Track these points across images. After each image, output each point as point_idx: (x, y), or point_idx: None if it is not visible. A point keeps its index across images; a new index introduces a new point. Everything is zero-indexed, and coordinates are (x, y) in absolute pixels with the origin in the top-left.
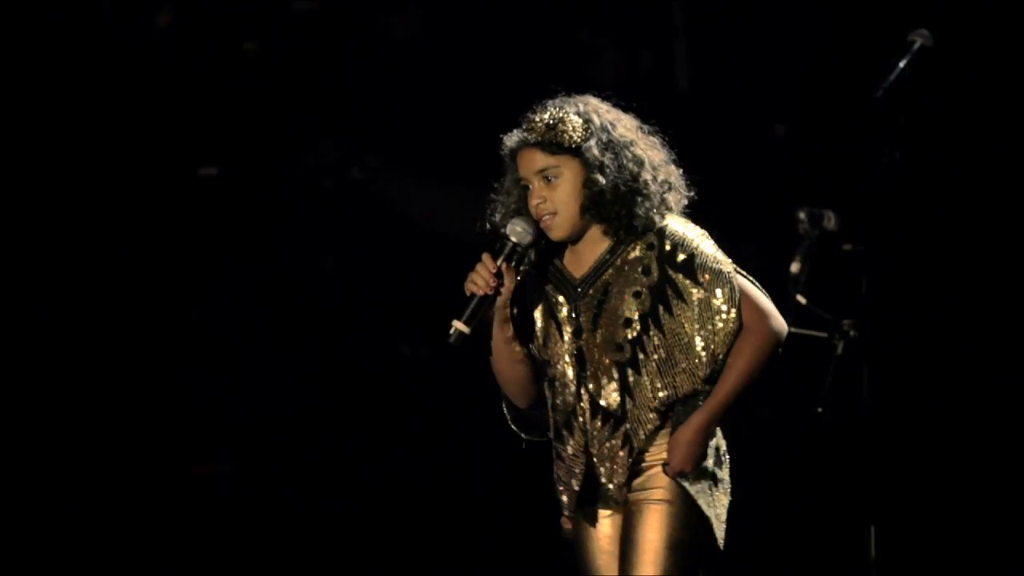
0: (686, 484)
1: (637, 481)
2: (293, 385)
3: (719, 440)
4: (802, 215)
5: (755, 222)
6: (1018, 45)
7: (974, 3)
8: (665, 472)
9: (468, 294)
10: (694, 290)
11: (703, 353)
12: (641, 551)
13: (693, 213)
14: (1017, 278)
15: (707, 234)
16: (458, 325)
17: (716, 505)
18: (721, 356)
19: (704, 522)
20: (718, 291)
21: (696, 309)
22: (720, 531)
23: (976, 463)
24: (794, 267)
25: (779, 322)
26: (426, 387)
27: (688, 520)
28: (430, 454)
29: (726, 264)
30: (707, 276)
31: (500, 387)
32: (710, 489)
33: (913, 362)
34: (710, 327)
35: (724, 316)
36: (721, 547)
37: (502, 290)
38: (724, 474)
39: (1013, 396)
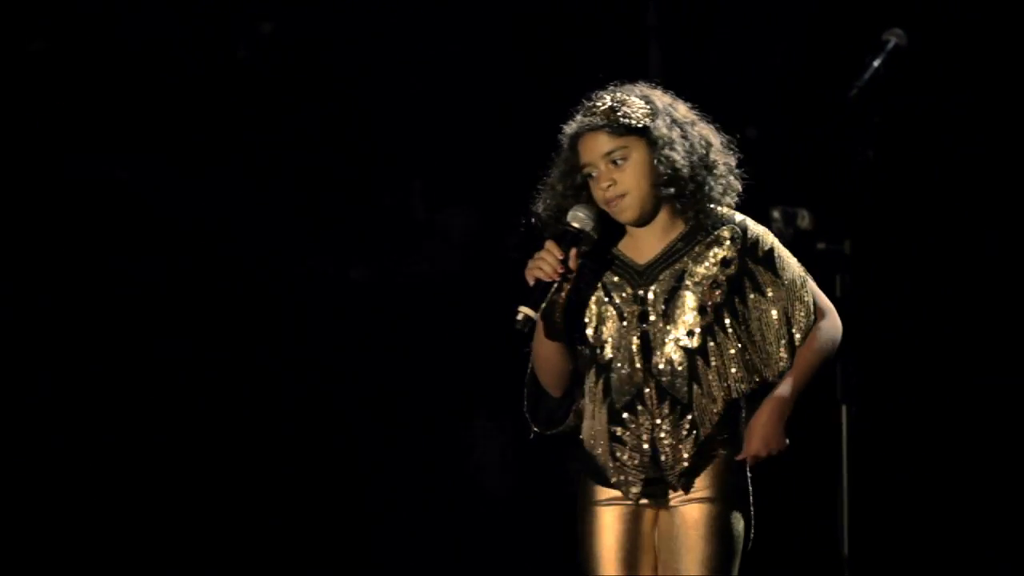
0: (729, 481)
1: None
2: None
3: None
4: (776, 214)
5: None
6: (992, 44)
7: (948, 2)
8: (735, 461)
9: (531, 281)
10: (774, 285)
11: (780, 349)
12: (687, 549)
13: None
14: (992, 275)
15: (771, 233)
16: (526, 311)
17: (752, 506)
18: (793, 354)
19: (746, 520)
20: (802, 291)
21: (775, 304)
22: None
23: (952, 460)
24: None
25: (839, 323)
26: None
27: (732, 518)
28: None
29: (794, 260)
30: (788, 274)
31: (532, 372)
32: (748, 490)
33: (888, 360)
34: (788, 324)
35: (805, 313)
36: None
37: (569, 276)
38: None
39: (989, 393)
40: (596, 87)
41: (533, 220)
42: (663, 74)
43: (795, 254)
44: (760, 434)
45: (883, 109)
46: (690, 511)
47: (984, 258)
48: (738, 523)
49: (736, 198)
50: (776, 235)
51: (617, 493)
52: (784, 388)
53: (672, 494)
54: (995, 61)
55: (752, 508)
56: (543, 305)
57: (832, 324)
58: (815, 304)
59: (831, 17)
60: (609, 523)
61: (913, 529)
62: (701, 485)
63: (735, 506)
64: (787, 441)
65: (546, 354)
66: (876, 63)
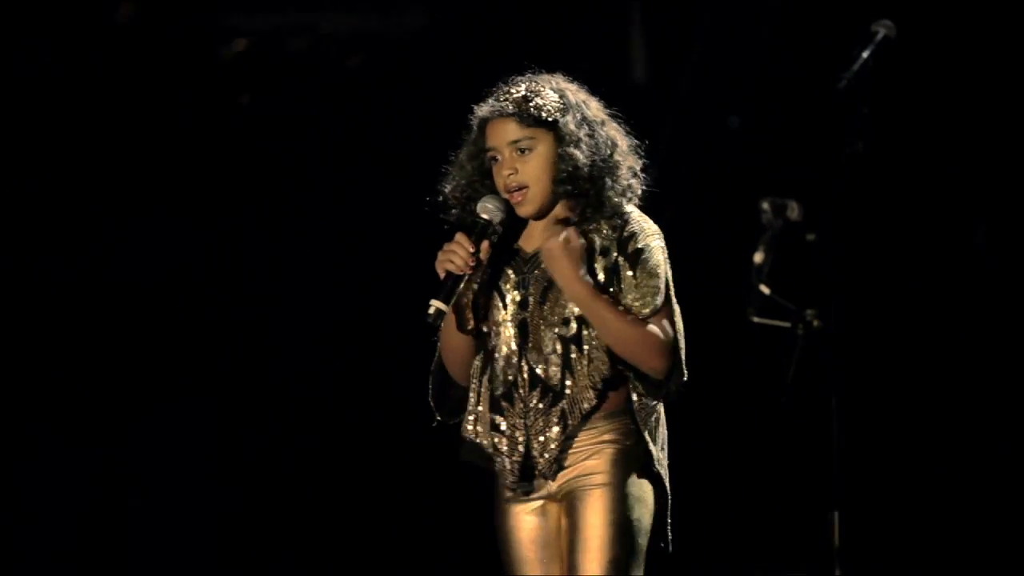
0: (623, 474)
1: (573, 469)
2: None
3: (657, 447)
4: (765, 205)
5: (718, 212)
6: (980, 35)
7: None
8: (632, 457)
9: (442, 273)
10: (630, 281)
11: None
12: (586, 536)
13: (657, 203)
14: (982, 266)
15: (661, 234)
16: (438, 305)
17: (650, 496)
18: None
19: (646, 505)
20: (645, 289)
21: (628, 300)
22: (664, 529)
23: (940, 450)
24: (757, 257)
25: (676, 355)
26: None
27: (629, 501)
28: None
29: (663, 271)
30: (643, 273)
31: (439, 361)
32: (648, 487)
33: (876, 351)
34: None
35: (641, 311)
36: (668, 547)
37: (479, 268)
38: (658, 471)
39: (976, 384)
40: (575, 79)
41: (440, 199)
42: (647, 65)
43: (785, 245)
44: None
45: (872, 100)
46: (585, 500)
47: (974, 249)
48: (633, 514)
49: (636, 201)
50: (765, 226)
51: (528, 484)
52: (598, 295)
53: (567, 484)
54: (984, 52)
55: (655, 505)
56: (454, 298)
57: (658, 337)
58: (667, 313)
59: (819, 7)
60: (522, 521)
61: (903, 520)
62: (596, 474)
63: (631, 497)
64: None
65: (455, 344)
66: (865, 54)
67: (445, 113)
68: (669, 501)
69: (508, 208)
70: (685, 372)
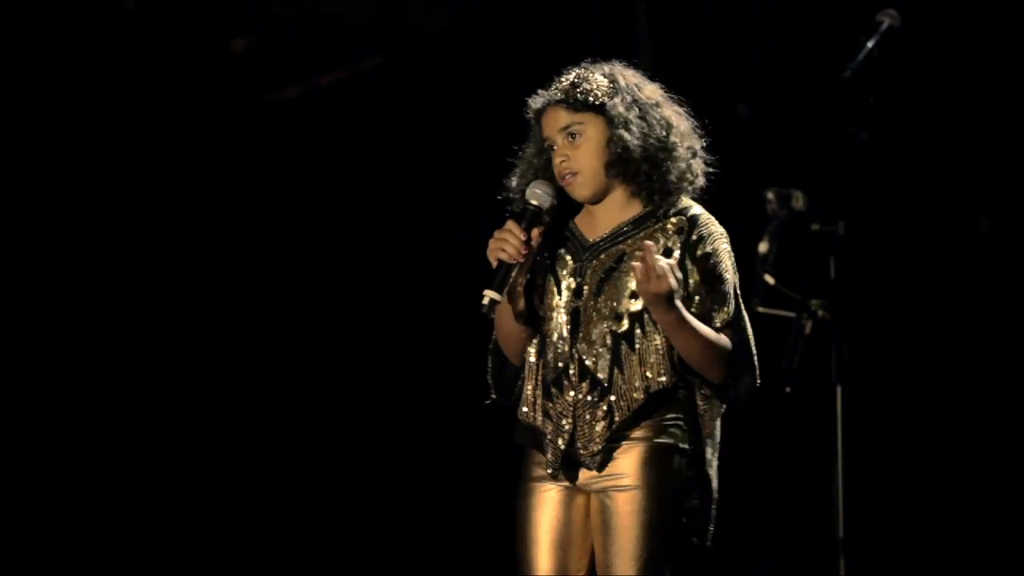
0: (661, 475)
1: (609, 466)
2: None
3: (711, 450)
4: (770, 195)
5: (723, 202)
6: (986, 25)
7: None
8: (676, 458)
9: (494, 262)
10: (699, 287)
11: None
12: (618, 537)
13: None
14: (987, 257)
15: (727, 236)
16: (491, 294)
17: (691, 497)
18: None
19: (681, 506)
20: (717, 297)
21: (694, 308)
22: (705, 529)
23: (945, 442)
24: (762, 247)
25: (749, 360)
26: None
27: (662, 503)
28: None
29: (732, 278)
30: (713, 279)
31: (496, 341)
32: (689, 490)
33: (882, 342)
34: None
35: (713, 322)
36: (708, 543)
37: (531, 256)
38: (707, 473)
39: (982, 375)
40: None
41: (508, 195)
42: (653, 53)
43: (789, 235)
44: (665, 282)
45: (877, 90)
46: (618, 500)
47: (979, 238)
48: (669, 518)
49: (698, 181)
50: (770, 216)
51: (562, 472)
52: (693, 321)
53: (601, 480)
54: (990, 41)
55: (696, 507)
56: (507, 285)
57: (727, 351)
58: (735, 320)
59: None
60: (544, 503)
61: (908, 511)
62: (631, 475)
63: (668, 501)
64: (670, 288)
65: (510, 329)
66: (870, 44)
67: (451, 110)
68: (715, 502)
69: (558, 193)
70: (759, 379)
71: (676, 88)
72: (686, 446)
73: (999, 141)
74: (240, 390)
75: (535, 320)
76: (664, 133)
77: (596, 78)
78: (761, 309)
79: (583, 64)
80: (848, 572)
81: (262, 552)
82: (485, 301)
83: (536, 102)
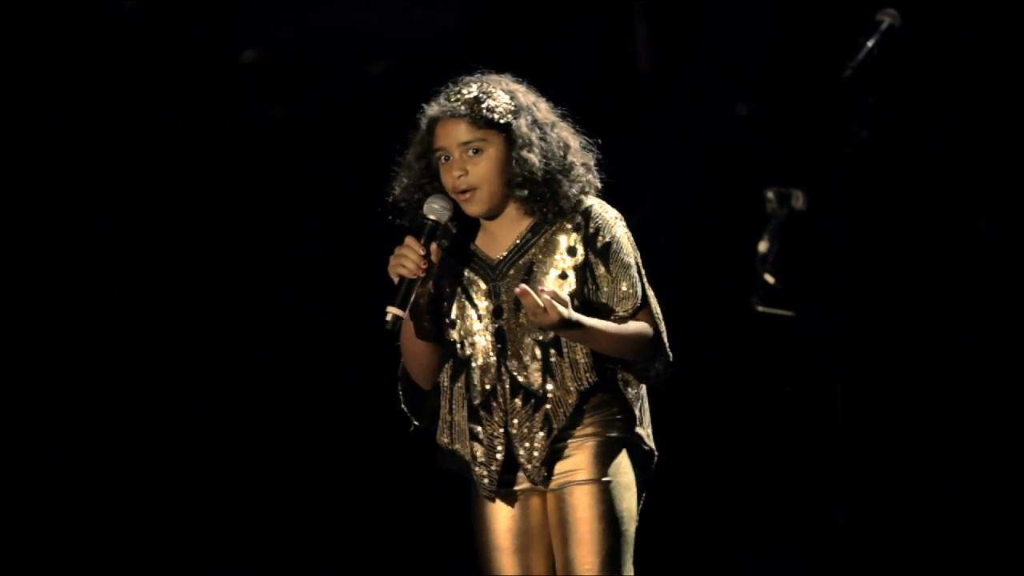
0: (609, 464)
1: (559, 465)
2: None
3: (645, 429)
4: (770, 194)
5: (723, 201)
6: (985, 25)
7: None
8: (615, 444)
9: (396, 278)
10: (605, 278)
11: None
12: (578, 531)
13: (663, 192)
14: (985, 256)
15: (622, 218)
16: (394, 311)
17: (636, 484)
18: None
19: (633, 492)
20: (623, 284)
21: (604, 299)
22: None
23: (945, 440)
24: (762, 246)
25: (659, 339)
26: None
27: (617, 492)
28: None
29: (634, 260)
30: (616, 265)
31: (404, 367)
32: (633, 472)
33: (881, 340)
34: (612, 317)
35: (624, 308)
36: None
37: (431, 271)
38: (649, 448)
39: (981, 373)
40: (579, 68)
41: (389, 201)
42: (651, 52)
43: (789, 234)
44: (553, 310)
45: (877, 89)
46: (575, 494)
47: (978, 238)
48: (623, 504)
49: (595, 191)
50: (770, 215)
51: (510, 482)
52: (591, 322)
53: (556, 478)
54: (989, 41)
55: (638, 489)
56: (409, 302)
57: (646, 335)
58: (644, 302)
59: None
60: (500, 508)
61: (908, 508)
62: (585, 468)
63: (624, 493)
64: (564, 316)
65: (417, 350)
66: (870, 43)
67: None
68: (655, 459)
69: (456, 207)
70: (670, 354)
71: (673, 88)
72: (628, 437)
73: (999, 139)
74: (237, 391)
75: (442, 340)
76: (563, 154)
77: (499, 95)
78: (761, 309)
79: (479, 76)
80: (848, 568)
81: (259, 552)
82: (388, 318)
83: (433, 110)
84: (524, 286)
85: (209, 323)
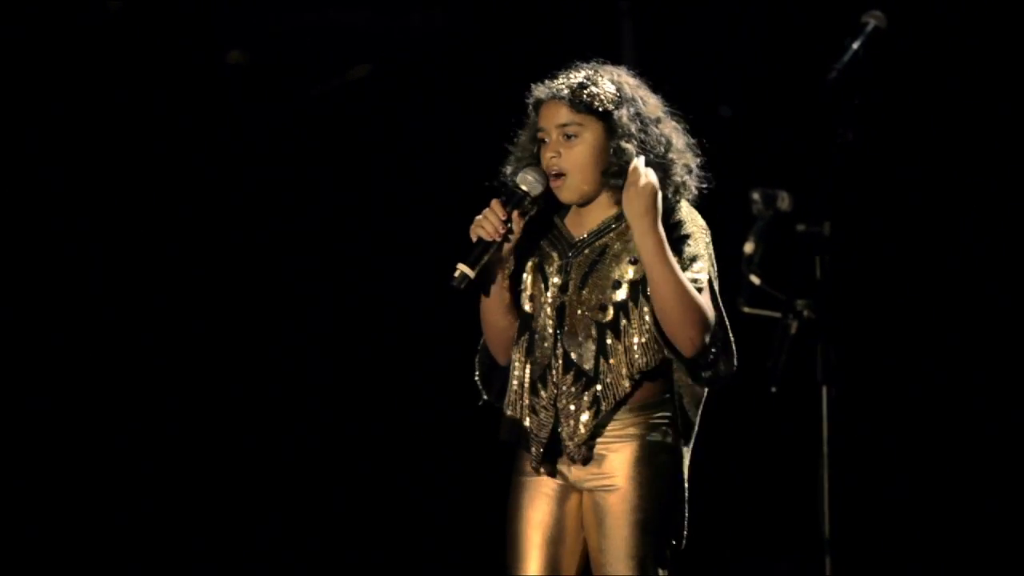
0: (651, 471)
1: (599, 464)
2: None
3: (688, 448)
4: (756, 195)
5: (708, 202)
6: (971, 26)
7: None
8: (662, 452)
9: (475, 239)
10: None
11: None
12: (611, 536)
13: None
14: (971, 257)
15: (708, 231)
16: (463, 268)
17: (675, 497)
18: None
19: (669, 502)
20: (694, 268)
21: None
22: (682, 530)
23: (931, 442)
24: (748, 247)
25: (726, 340)
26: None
27: (653, 500)
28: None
29: (707, 263)
30: (687, 259)
31: (484, 338)
32: (678, 483)
33: (867, 342)
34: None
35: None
36: (681, 544)
37: (511, 237)
38: (683, 474)
39: (967, 376)
40: (564, 67)
41: (501, 178)
42: (635, 53)
43: (775, 235)
44: (645, 202)
45: (863, 91)
46: (611, 499)
47: (963, 239)
48: (661, 517)
49: (690, 198)
50: (756, 217)
51: (551, 468)
52: (671, 259)
53: (593, 479)
54: (975, 42)
55: (684, 502)
56: (481, 263)
57: (705, 311)
58: (712, 298)
59: None
60: (536, 499)
61: (894, 510)
62: (623, 473)
63: (659, 500)
64: (648, 189)
65: (491, 319)
66: (856, 45)
67: (444, 114)
68: (687, 502)
69: (548, 182)
70: (735, 360)
71: (659, 88)
72: (673, 445)
73: (985, 140)
74: (236, 391)
75: (514, 312)
76: (663, 150)
77: (604, 83)
78: (747, 310)
79: (593, 65)
80: (834, 571)
81: (255, 553)
82: (456, 274)
83: (539, 91)
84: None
85: (206, 323)
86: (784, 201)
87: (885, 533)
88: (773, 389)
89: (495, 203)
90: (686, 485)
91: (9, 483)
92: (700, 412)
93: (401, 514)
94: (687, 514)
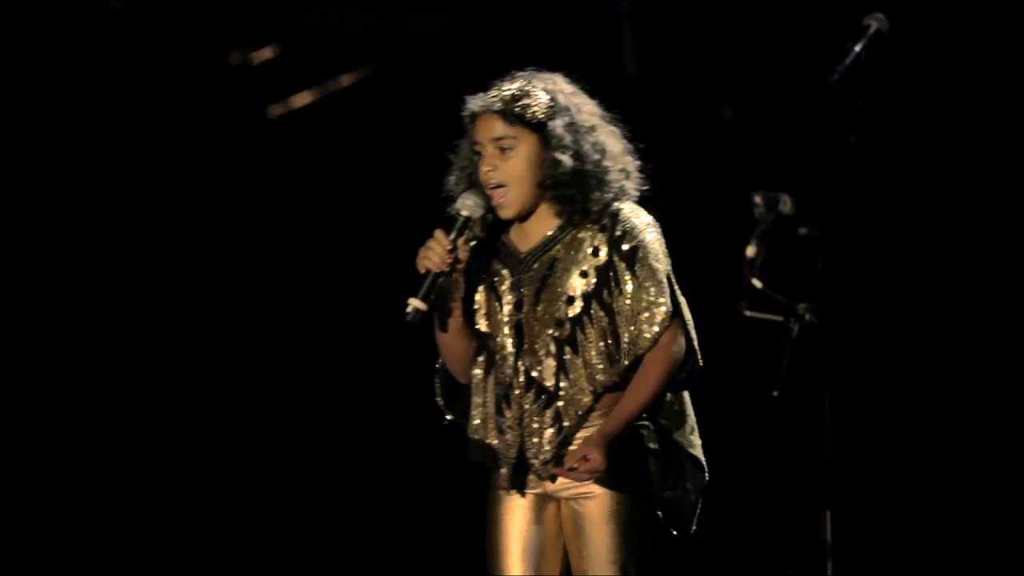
0: (622, 473)
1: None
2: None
3: (682, 433)
4: (758, 199)
5: (710, 206)
6: (972, 28)
7: None
8: (579, 476)
9: (422, 270)
10: (630, 282)
11: (625, 345)
12: (592, 542)
13: (647, 199)
14: (972, 260)
15: (657, 225)
16: (415, 303)
17: (665, 491)
18: (639, 354)
19: (646, 503)
20: (651, 289)
21: (628, 301)
22: (690, 517)
23: (932, 446)
24: (750, 251)
25: (690, 348)
26: None
27: (631, 503)
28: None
29: (664, 264)
30: (643, 271)
31: (442, 360)
32: (648, 479)
33: (869, 346)
34: (634, 324)
35: (648, 315)
36: (691, 532)
37: (458, 266)
38: (684, 461)
39: (968, 379)
40: (565, 71)
41: (446, 193)
42: (636, 55)
43: (776, 238)
44: (594, 456)
45: (864, 94)
46: (589, 505)
47: (965, 242)
48: (636, 513)
49: (630, 196)
50: (757, 219)
51: (522, 484)
52: (620, 412)
53: (571, 487)
54: (976, 44)
55: (675, 498)
56: (432, 296)
57: (677, 349)
58: (674, 324)
59: (812, 1)
60: (514, 511)
61: (895, 513)
62: (601, 479)
63: (632, 497)
64: (602, 466)
65: (448, 342)
66: (857, 48)
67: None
68: (703, 482)
69: (489, 204)
70: (700, 360)
71: (660, 91)
72: (654, 445)
73: (986, 143)
74: (234, 391)
75: (472, 332)
76: (598, 158)
77: (538, 94)
78: (748, 313)
79: (527, 74)
80: (835, 573)
81: (259, 553)
82: (409, 310)
83: (473, 104)
84: (573, 470)
85: (203, 323)
86: (786, 204)
87: (886, 535)
88: (775, 392)
89: (438, 233)
90: (702, 463)
91: (8, 483)
92: (685, 406)
93: (389, 520)
94: (699, 498)
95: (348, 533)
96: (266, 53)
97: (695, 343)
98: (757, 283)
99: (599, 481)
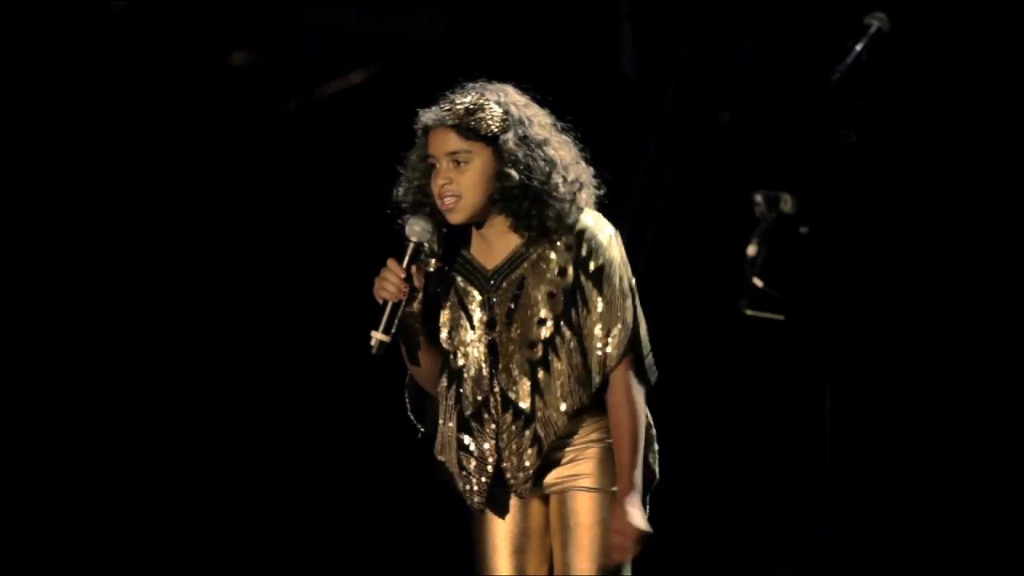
0: (605, 469)
1: (561, 469)
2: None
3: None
4: (759, 198)
5: (711, 205)
6: (974, 27)
7: None
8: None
9: (380, 301)
10: (599, 302)
11: (595, 365)
12: (577, 536)
13: (649, 197)
14: (974, 258)
15: (618, 236)
16: (378, 336)
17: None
18: (608, 373)
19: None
20: (618, 308)
21: (597, 321)
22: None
23: (933, 444)
24: (751, 250)
25: (647, 373)
26: None
27: (614, 500)
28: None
29: (628, 284)
30: (610, 289)
31: (410, 374)
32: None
33: (870, 344)
34: (602, 343)
35: (622, 335)
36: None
37: (415, 293)
38: (649, 458)
39: (969, 377)
40: (564, 72)
41: (393, 206)
42: (635, 56)
43: (778, 238)
44: (616, 542)
45: (865, 93)
46: (577, 500)
47: (967, 240)
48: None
49: (585, 208)
50: (758, 219)
51: (504, 487)
52: (624, 477)
53: (560, 482)
54: (977, 44)
55: (641, 496)
56: (394, 325)
57: (640, 397)
58: (634, 334)
59: (812, 0)
60: (498, 512)
61: (896, 514)
62: (590, 475)
63: (613, 492)
64: (645, 529)
65: (414, 360)
66: (858, 47)
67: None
68: (656, 481)
69: (437, 227)
70: (654, 373)
71: (659, 91)
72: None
73: (988, 143)
74: (235, 389)
75: (439, 349)
76: (548, 170)
77: (492, 108)
78: (749, 312)
79: (478, 85)
80: (835, 573)
81: (258, 553)
82: (372, 343)
83: (427, 117)
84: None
85: (202, 324)
86: (787, 203)
87: (886, 535)
88: (776, 392)
89: (391, 263)
90: (655, 469)
91: (9, 483)
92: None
93: (387, 520)
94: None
95: (347, 533)
96: (240, 57)
97: (646, 361)
98: (758, 282)
99: (588, 478)
